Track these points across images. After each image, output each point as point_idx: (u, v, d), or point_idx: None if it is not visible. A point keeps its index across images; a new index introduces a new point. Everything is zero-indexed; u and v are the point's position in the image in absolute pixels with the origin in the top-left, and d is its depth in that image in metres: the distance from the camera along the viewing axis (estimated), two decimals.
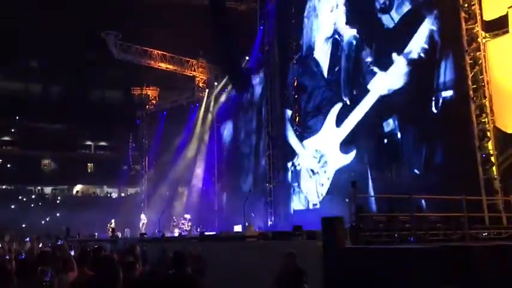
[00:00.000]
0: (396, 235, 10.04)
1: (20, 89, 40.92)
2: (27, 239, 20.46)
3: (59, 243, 13.73)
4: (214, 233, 18.95)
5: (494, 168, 12.88)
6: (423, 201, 12.55)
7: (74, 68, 37.46)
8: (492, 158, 12.98)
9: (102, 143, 43.72)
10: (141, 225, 24.66)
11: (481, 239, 10.58)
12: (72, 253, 8.97)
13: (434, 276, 7.03)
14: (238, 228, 18.88)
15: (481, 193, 12.65)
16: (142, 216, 25.70)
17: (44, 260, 4.54)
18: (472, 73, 13.49)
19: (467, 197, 11.08)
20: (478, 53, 13.52)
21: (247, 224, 17.10)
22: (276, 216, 20.56)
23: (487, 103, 13.23)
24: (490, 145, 13.08)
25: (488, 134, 13.08)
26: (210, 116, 27.49)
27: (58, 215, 34.87)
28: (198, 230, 20.66)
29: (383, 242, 9.49)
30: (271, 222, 20.52)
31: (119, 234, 21.95)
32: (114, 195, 41.93)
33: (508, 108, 13.24)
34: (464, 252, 7.98)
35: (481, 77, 13.41)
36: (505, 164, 13.10)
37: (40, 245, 16.33)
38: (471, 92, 13.42)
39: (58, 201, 39.55)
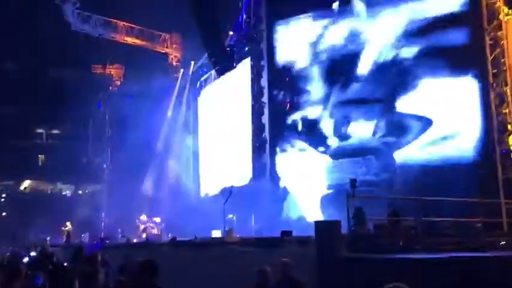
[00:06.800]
0: (401, 243, 10.11)
1: None
2: None
3: None
4: (188, 239, 18.85)
5: None
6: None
7: (26, 41, 36.64)
8: None
9: (56, 131, 43.09)
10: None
11: (498, 248, 10.70)
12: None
13: None
14: (217, 233, 18.81)
15: (499, 195, 12.82)
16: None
17: None
18: (493, 56, 13.58)
19: (484, 200, 11.18)
20: (499, 33, 13.59)
21: (227, 228, 17.04)
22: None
23: (508, 91, 13.34)
24: (511, 140, 13.23)
25: (509, 126, 13.21)
26: (184, 101, 27.28)
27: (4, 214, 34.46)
28: (170, 235, 20.52)
29: (385, 250, 9.56)
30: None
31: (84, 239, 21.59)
32: (69, 192, 41.46)
33: None
34: (482, 264, 8.03)
35: (502, 60, 13.49)
36: None
37: None
38: (491, 79, 13.52)
39: (3, 199, 39.02)
